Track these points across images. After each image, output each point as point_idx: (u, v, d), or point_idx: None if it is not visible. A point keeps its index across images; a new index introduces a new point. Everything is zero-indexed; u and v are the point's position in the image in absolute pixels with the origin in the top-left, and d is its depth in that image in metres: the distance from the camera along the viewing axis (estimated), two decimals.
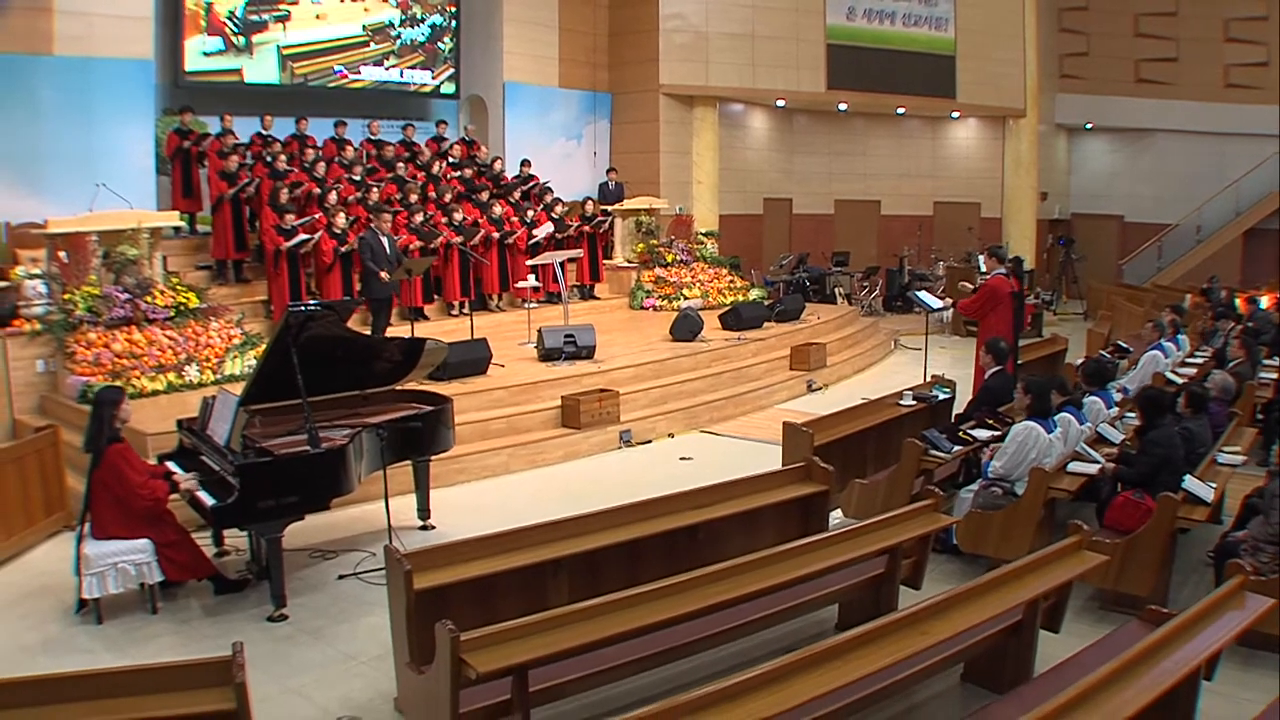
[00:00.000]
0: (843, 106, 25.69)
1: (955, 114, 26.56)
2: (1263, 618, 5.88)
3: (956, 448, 9.25)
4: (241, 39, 17.87)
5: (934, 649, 5.64)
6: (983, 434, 9.50)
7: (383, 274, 13.93)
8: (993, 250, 13.85)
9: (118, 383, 11.01)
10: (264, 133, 16.68)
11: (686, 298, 18.73)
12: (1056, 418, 8.87)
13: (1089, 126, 28.79)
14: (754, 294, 19.72)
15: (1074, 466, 8.53)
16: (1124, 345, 14.88)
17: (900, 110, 26.31)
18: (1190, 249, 26.90)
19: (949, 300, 16.37)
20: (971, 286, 14.51)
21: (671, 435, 13.47)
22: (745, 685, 4.75)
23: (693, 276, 19.66)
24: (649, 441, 13.17)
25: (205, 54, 17.48)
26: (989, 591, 6.03)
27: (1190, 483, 7.70)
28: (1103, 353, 14.06)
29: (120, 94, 15.31)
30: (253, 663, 5.11)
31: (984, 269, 14.08)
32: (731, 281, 20.02)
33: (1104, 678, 4.89)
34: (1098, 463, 8.55)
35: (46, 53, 14.61)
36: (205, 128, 16.23)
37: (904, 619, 5.62)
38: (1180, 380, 11.50)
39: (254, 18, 17.95)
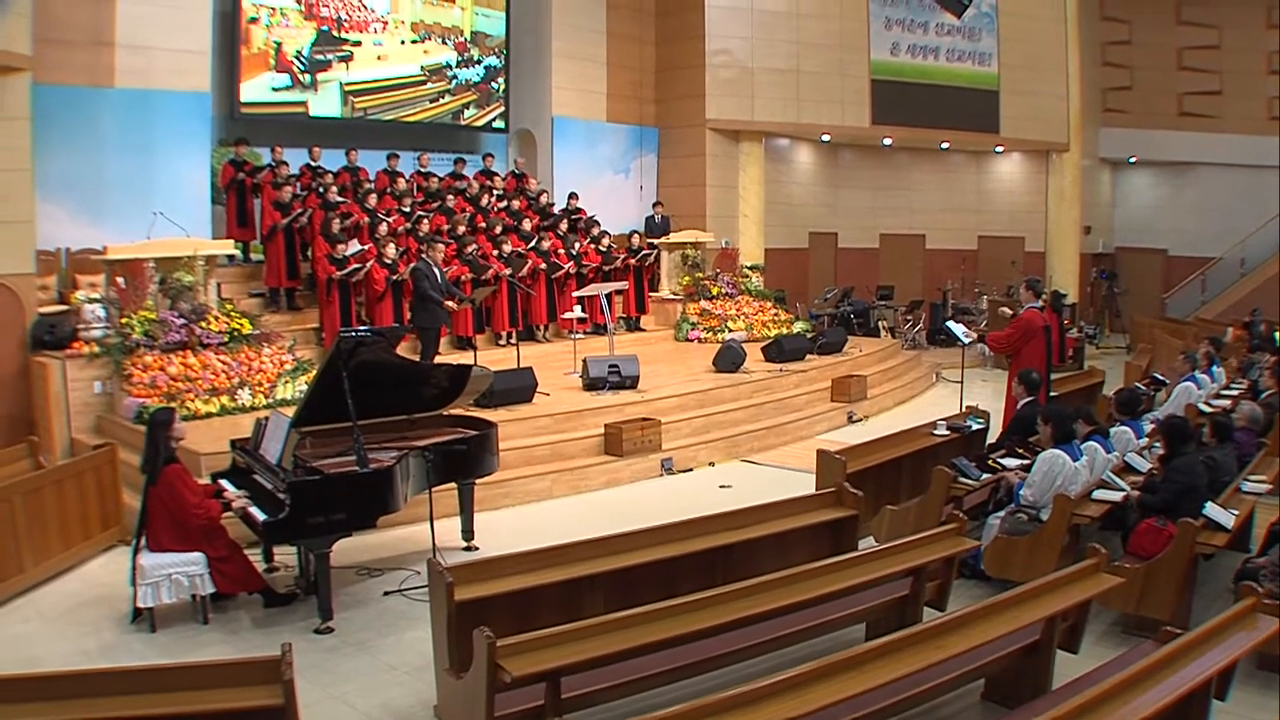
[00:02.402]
0: (887, 141, 25.83)
1: (999, 148, 26.60)
2: (1269, 639, 6.02)
3: (985, 475, 9.43)
4: (308, 76, 18.48)
5: (951, 664, 5.82)
6: (1011, 462, 9.67)
7: (450, 303, 14.29)
8: (1030, 283, 13.99)
9: (172, 404, 11.34)
10: (313, 164, 17.10)
11: (731, 330, 18.90)
12: (1083, 446, 9.02)
13: (1133, 160, 28.75)
14: (798, 327, 19.85)
15: (1099, 494, 8.68)
16: (1160, 377, 14.95)
17: (944, 145, 26.39)
18: (1234, 282, 26.73)
19: (977, 334, 16.38)
20: (1010, 312, 14.64)
21: (712, 464, 13.63)
22: (765, 691, 4.97)
23: (737, 309, 19.84)
24: (690, 469, 13.34)
25: (274, 89, 18.10)
26: (1005, 609, 6.20)
27: (1211, 509, 7.84)
28: (1137, 384, 14.17)
29: (178, 125, 15.70)
30: (299, 671, 5.37)
31: (1022, 302, 14.24)
32: (776, 314, 20.17)
33: (1108, 690, 5.06)
34: (1123, 490, 8.71)
35: (108, 85, 15.02)
36: (260, 159, 16.66)
37: (921, 633, 5.82)
38: (1211, 411, 11.62)
39: (319, 57, 18.58)
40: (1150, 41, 27.64)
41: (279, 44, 18.01)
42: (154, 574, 7.95)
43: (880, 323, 23.34)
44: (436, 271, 14.33)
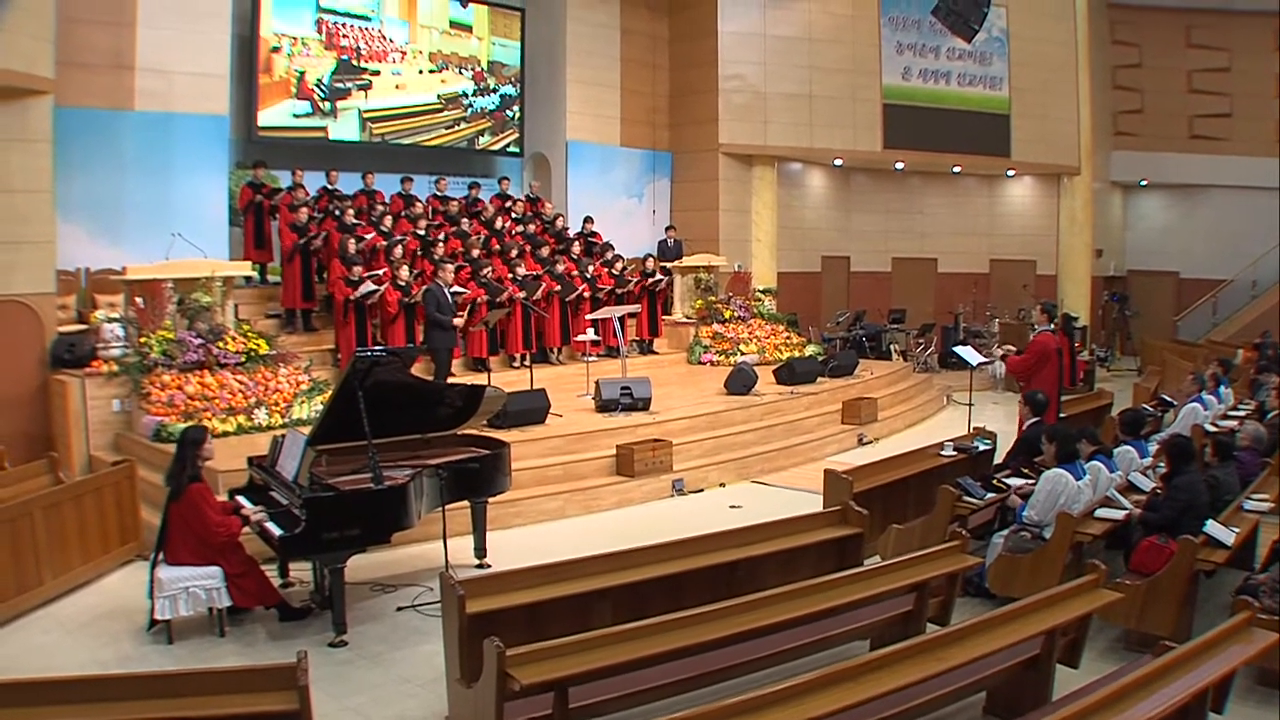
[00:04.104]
0: (899, 165, 25.95)
1: (1010, 172, 26.74)
2: (1265, 652, 6.12)
3: (989, 495, 9.55)
4: (328, 104, 18.78)
5: (951, 676, 5.93)
6: (1016, 482, 9.78)
7: (456, 320, 14.51)
8: (1045, 307, 14.10)
9: (190, 423, 11.51)
10: (330, 187, 17.32)
11: (743, 353, 19.02)
12: (1087, 466, 9.13)
13: (1144, 183, 28.81)
14: (810, 350, 19.96)
15: (1102, 512, 8.80)
16: (1168, 399, 15.02)
17: (956, 169, 26.51)
18: (1245, 304, 26.73)
19: (989, 357, 16.42)
20: (1015, 349, 14.71)
21: (723, 484, 13.73)
22: (765, 699, 5.10)
23: (750, 332, 19.94)
24: (701, 490, 13.43)
25: (295, 115, 18.41)
26: (1005, 623, 6.32)
27: (1212, 526, 7.95)
28: (1144, 405, 14.26)
29: (196, 148, 15.90)
30: (314, 683, 5.49)
31: (1036, 325, 14.32)
32: (788, 338, 20.28)
33: (1102, 700, 5.18)
34: (1126, 509, 8.82)
35: (128, 108, 15.24)
36: (277, 182, 16.89)
37: (921, 645, 5.94)
38: (1215, 431, 11.70)
39: (340, 85, 18.92)
40: (1160, 65, 27.74)
41: (302, 73, 18.34)
42: (172, 587, 8.13)
43: (892, 346, 23.43)
44: (447, 294, 14.52)
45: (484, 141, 21.44)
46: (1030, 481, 9.50)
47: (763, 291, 21.68)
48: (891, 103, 24.17)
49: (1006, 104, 25.25)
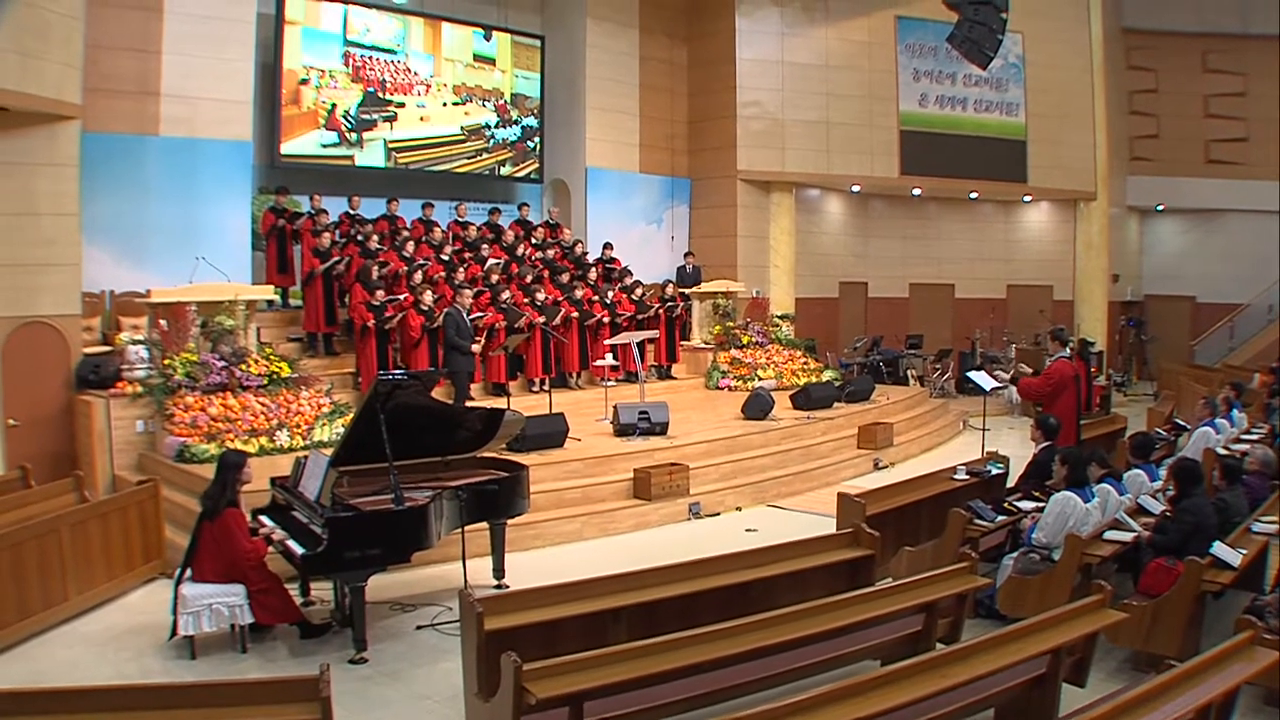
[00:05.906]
0: (916, 191, 26.06)
1: (1027, 198, 26.77)
2: (1266, 671, 6.19)
3: (1000, 517, 9.64)
4: (354, 135, 19.11)
5: (958, 693, 6.01)
6: (1027, 505, 9.86)
7: (474, 346, 14.73)
8: (1055, 333, 14.13)
9: (212, 445, 11.72)
10: (352, 213, 17.55)
11: (761, 378, 19.09)
12: (1096, 488, 9.23)
13: (1160, 208, 28.83)
14: (827, 375, 20.02)
15: (1111, 534, 8.87)
16: (1181, 423, 15.05)
17: (973, 194, 26.59)
18: (1262, 328, 26.63)
19: (1002, 382, 16.40)
20: (1029, 369, 14.75)
21: (739, 508, 13.81)
22: (771, 714, 5.21)
23: (767, 358, 20.03)
24: (717, 514, 13.52)
25: (323, 145, 18.74)
26: (1010, 641, 6.41)
27: (1218, 548, 8.02)
28: (1157, 429, 14.30)
29: (220, 173, 16.20)
30: (334, 699, 5.60)
31: (1050, 352, 14.35)
32: (806, 363, 20.37)
33: (1103, 714, 5.27)
34: (1134, 531, 8.91)
35: (153, 133, 15.55)
36: (299, 206, 17.05)
37: (927, 662, 6.04)
38: (1225, 455, 11.74)
39: (366, 117, 19.28)
40: (1176, 90, 27.77)
41: (332, 105, 18.74)
42: (195, 603, 8.30)
43: (909, 371, 23.45)
44: (465, 318, 14.71)
45: (505, 171, 21.71)
46: (1041, 504, 9.59)
47: (780, 317, 21.77)
48: (908, 129, 24.36)
49: (1023, 130, 25.40)
